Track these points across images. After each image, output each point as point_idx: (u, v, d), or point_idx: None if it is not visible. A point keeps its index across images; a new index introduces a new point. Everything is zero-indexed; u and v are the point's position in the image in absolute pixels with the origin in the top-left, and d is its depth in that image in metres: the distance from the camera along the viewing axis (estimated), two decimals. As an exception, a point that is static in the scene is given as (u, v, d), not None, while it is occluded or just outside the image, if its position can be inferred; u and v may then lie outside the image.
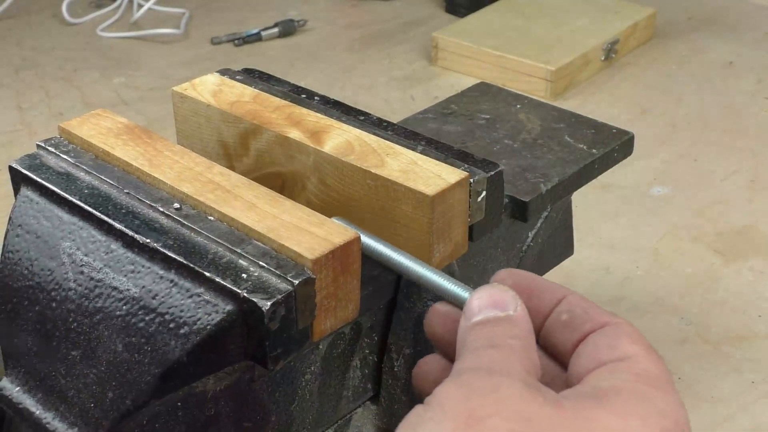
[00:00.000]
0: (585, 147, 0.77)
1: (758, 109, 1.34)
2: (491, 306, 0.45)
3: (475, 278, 0.72)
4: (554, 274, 0.88)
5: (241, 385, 0.56)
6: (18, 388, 0.60)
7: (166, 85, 0.93)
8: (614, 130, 0.80)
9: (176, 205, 0.56)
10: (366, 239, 0.55)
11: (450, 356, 0.49)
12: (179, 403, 0.54)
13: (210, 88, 0.69)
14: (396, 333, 0.64)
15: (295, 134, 0.63)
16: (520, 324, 0.45)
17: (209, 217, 0.55)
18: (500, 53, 1.38)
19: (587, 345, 0.44)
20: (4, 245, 0.60)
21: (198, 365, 0.52)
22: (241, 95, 0.68)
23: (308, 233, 0.53)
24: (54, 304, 0.57)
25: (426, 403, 0.41)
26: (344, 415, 0.65)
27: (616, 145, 0.78)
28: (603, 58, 1.43)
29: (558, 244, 0.83)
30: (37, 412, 0.58)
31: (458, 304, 0.49)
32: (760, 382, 0.85)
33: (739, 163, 1.21)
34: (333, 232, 0.53)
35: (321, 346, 0.61)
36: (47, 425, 0.57)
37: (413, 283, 0.63)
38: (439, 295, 0.51)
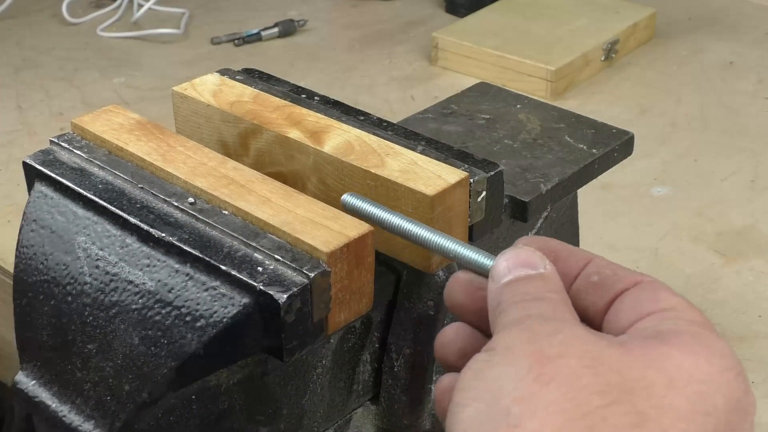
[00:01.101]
0: (585, 147, 0.77)
1: (758, 109, 1.34)
2: (520, 266, 0.45)
3: (475, 278, 0.72)
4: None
5: (254, 378, 0.57)
6: (34, 381, 0.60)
7: (166, 85, 0.93)
8: (614, 130, 0.80)
9: (191, 200, 0.57)
10: (381, 212, 0.54)
11: (474, 324, 0.49)
12: (194, 396, 0.55)
13: (210, 88, 0.69)
14: (396, 333, 0.64)
15: (295, 134, 0.63)
16: (553, 280, 0.45)
17: (224, 212, 0.56)
18: (500, 53, 1.38)
19: (626, 300, 0.45)
20: (18, 240, 0.61)
21: (214, 357, 0.53)
22: (241, 95, 0.68)
23: (323, 227, 0.53)
24: (69, 298, 0.58)
25: (488, 350, 0.41)
26: (354, 408, 0.66)
27: (616, 145, 0.78)
28: (603, 58, 1.43)
29: (564, 240, 0.83)
30: (53, 405, 0.59)
31: (482, 271, 0.49)
32: (760, 382, 0.85)
33: (739, 163, 1.21)
34: (347, 226, 0.53)
35: (332, 340, 0.61)
36: (63, 418, 0.58)
37: (413, 283, 0.63)
38: (462, 265, 0.51)
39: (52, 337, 0.59)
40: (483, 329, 0.49)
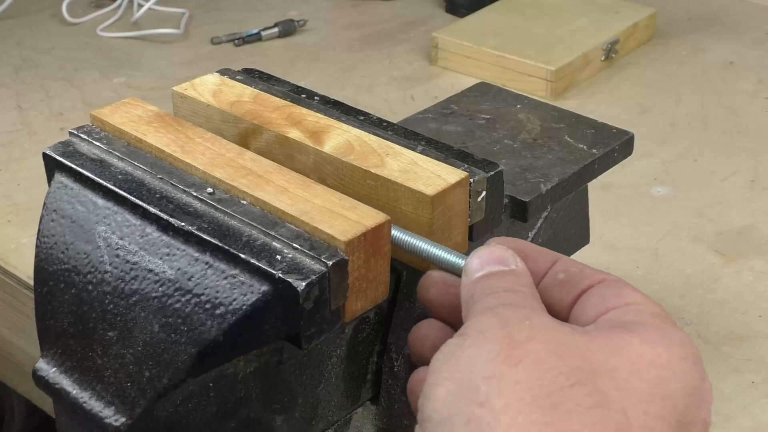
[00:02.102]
0: (585, 147, 0.77)
1: (758, 109, 1.34)
2: (493, 262, 0.48)
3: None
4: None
5: (270, 367, 0.57)
6: (54, 368, 0.61)
7: (166, 85, 0.93)
8: (614, 130, 0.80)
9: (209, 190, 0.58)
10: None
11: (446, 319, 0.52)
12: (211, 384, 0.56)
13: (210, 88, 0.69)
14: (396, 333, 0.64)
15: (295, 134, 0.64)
16: (524, 276, 0.47)
17: (242, 201, 0.57)
18: (500, 53, 1.38)
19: (591, 296, 0.47)
20: (39, 230, 0.61)
21: (233, 344, 0.53)
22: (241, 95, 0.68)
23: (340, 216, 0.54)
24: (90, 287, 0.58)
25: (461, 334, 0.44)
26: (367, 399, 0.66)
27: (616, 145, 0.78)
28: (603, 58, 1.43)
29: (574, 234, 0.83)
30: (74, 392, 0.59)
31: (454, 270, 0.51)
32: (760, 382, 0.85)
33: (739, 163, 1.21)
34: (365, 216, 0.54)
35: (347, 330, 0.62)
36: (84, 404, 0.58)
37: (413, 283, 0.63)
38: (435, 264, 0.53)
39: (72, 325, 0.60)
40: (454, 325, 0.51)
